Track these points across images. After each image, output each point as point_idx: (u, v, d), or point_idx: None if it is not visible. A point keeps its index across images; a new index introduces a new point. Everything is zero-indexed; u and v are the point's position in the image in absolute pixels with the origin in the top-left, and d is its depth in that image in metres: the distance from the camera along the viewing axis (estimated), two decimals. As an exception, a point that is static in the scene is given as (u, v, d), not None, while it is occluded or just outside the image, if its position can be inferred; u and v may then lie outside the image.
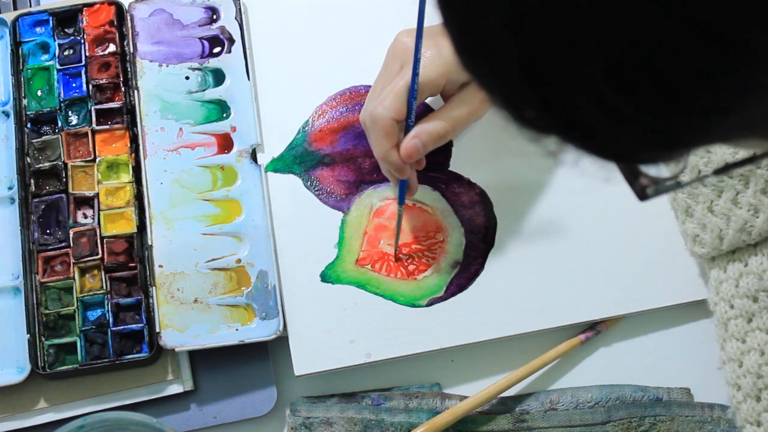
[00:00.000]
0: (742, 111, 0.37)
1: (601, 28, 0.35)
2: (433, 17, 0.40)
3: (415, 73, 0.72)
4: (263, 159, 0.83)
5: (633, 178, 0.45)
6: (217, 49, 0.86)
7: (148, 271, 0.80)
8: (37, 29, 0.87)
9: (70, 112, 0.85)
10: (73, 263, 0.80)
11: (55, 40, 0.86)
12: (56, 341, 0.78)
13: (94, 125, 0.84)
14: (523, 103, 0.39)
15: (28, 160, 0.83)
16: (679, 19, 0.34)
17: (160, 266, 0.80)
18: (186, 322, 0.78)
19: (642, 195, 0.45)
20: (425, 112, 0.79)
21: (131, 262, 0.80)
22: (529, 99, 0.38)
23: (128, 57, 0.86)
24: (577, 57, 0.36)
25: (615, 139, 0.39)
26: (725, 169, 0.45)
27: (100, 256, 0.80)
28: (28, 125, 0.84)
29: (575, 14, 0.35)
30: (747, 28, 0.34)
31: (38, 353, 0.78)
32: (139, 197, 0.82)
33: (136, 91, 0.85)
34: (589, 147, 0.40)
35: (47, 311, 0.79)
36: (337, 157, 0.83)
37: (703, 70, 0.35)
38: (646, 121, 0.37)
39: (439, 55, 0.74)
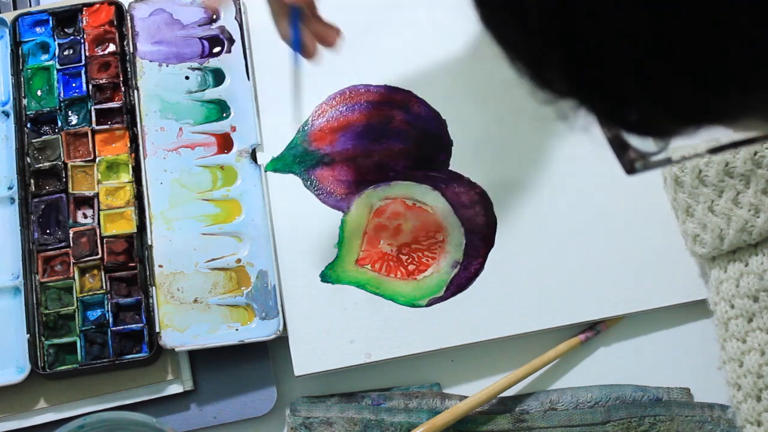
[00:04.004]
0: None
1: None
2: None
3: None
4: (263, 159, 0.83)
5: (622, 151, 0.43)
6: (217, 49, 0.86)
7: (148, 271, 0.80)
8: (37, 29, 0.87)
9: (69, 111, 0.85)
10: (73, 263, 0.80)
11: (54, 40, 0.86)
12: (56, 341, 0.78)
13: (93, 125, 0.84)
14: (548, 62, 0.36)
15: (28, 159, 0.83)
16: None
17: (160, 266, 0.80)
18: (186, 322, 0.78)
19: (630, 169, 0.43)
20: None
21: (131, 262, 0.80)
22: (557, 59, 0.36)
23: (128, 57, 0.86)
24: (621, 19, 0.33)
25: (646, 112, 0.36)
26: (719, 149, 0.44)
27: (99, 256, 0.80)
28: (28, 125, 0.84)
29: None
30: None
31: (38, 353, 0.78)
32: (138, 197, 0.82)
33: (135, 91, 0.85)
34: (613, 116, 0.38)
35: (47, 311, 0.79)
36: (336, 157, 0.83)
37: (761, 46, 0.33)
38: (686, 94, 0.35)
39: None
